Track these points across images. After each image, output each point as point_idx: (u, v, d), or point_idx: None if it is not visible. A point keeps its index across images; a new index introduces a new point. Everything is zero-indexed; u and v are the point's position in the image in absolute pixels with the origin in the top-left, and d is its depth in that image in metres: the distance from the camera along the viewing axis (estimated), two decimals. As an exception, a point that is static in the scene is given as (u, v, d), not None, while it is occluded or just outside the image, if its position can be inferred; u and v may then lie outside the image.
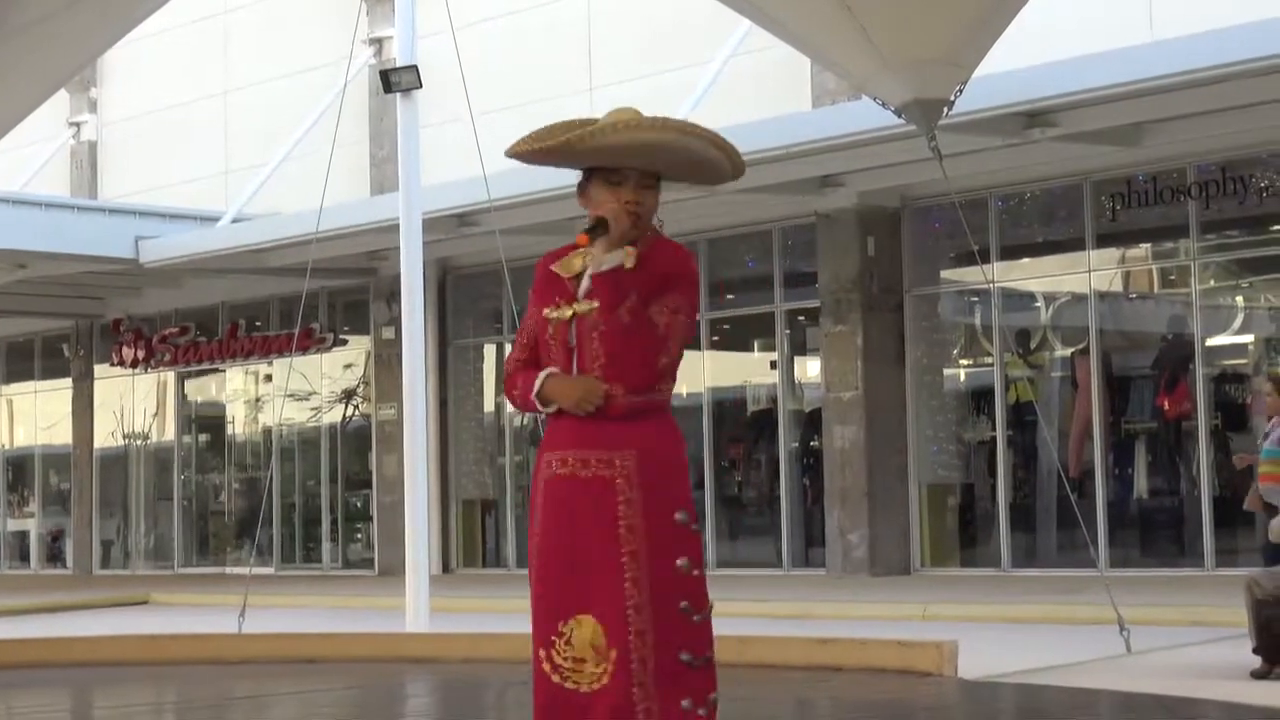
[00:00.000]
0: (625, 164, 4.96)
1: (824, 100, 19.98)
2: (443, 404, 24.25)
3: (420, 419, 15.16)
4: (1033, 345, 20.13)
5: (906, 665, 11.24)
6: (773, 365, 22.08)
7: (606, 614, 4.82)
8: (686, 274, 5.03)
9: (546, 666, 4.85)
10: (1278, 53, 14.33)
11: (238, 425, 29.01)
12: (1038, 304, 20.02)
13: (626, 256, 4.94)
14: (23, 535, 32.62)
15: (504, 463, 24.61)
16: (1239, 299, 19.15)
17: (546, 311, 5.00)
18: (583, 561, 4.85)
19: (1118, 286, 19.68)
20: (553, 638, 4.86)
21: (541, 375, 4.95)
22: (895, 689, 10.72)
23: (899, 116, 11.81)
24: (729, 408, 23.00)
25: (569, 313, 4.96)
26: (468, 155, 16.48)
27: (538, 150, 4.99)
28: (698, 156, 5.01)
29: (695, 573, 4.99)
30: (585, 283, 4.96)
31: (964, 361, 21.15)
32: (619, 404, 4.91)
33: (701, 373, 22.48)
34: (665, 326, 4.93)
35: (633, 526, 4.87)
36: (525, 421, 23.84)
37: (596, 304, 4.92)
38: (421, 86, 15.07)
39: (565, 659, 4.82)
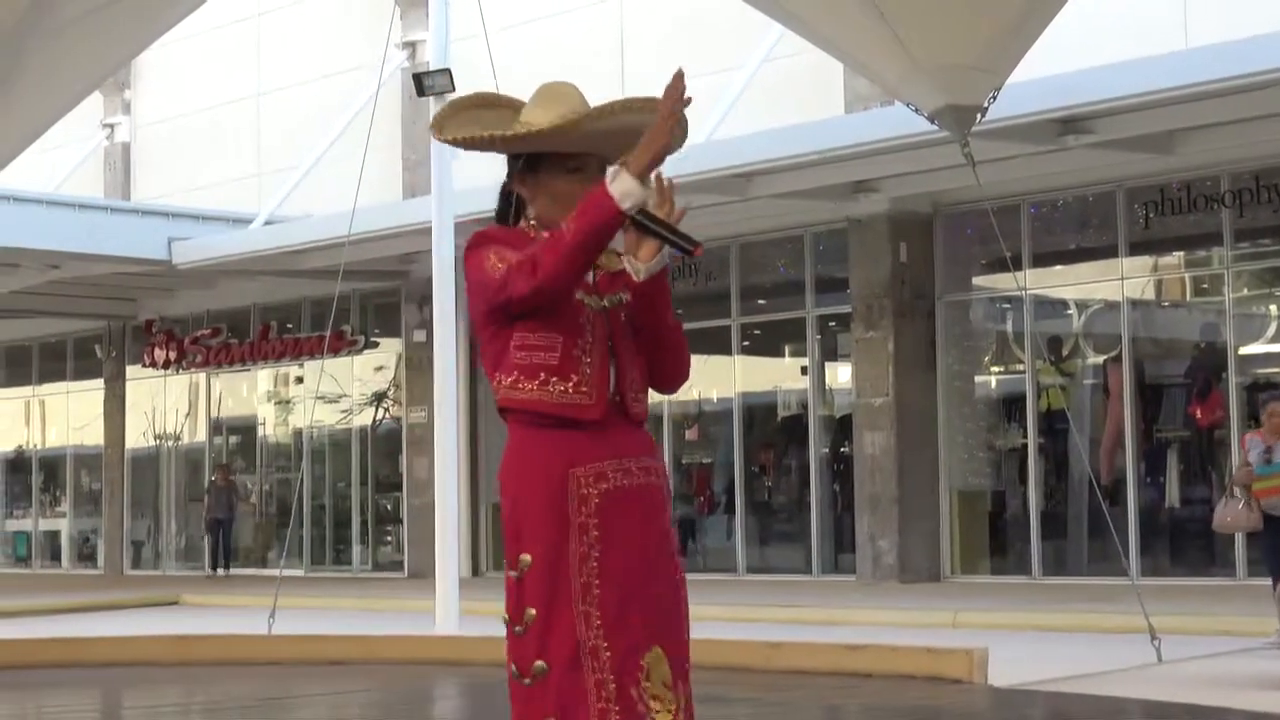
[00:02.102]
0: (597, 149, 4.35)
1: (857, 106, 19.96)
2: (473, 407, 24.25)
3: (451, 422, 15.18)
4: (1065, 352, 20.07)
5: (936, 672, 11.22)
6: (804, 371, 22.05)
7: (672, 646, 4.29)
8: None
9: (641, 708, 4.17)
10: (1313, 60, 14.30)
11: (268, 427, 29.09)
12: (1070, 311, 19.97)
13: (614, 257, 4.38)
14: (54, 535, 32.75)
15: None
16: (1272, 307, 19.07)
17: (581, 294, 4.26)
18: (652, 582, 4.29)
19: (1150, 294, 19.63)
20: (638, 674, 4.19)
21: (611, 170, 4.16)
22: (925, 696, 10.70)
23: (932, 122, 11.79)
24: (760, 413, 22.98)
25: (604, 302, 4.32)
26: (500, 158, 16.47)
27: (499, 137, 4.34)
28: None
29: None
30: (592, 271, 4.29)
31: (995, 368, 21.11)
32: (646, 415, 4.42)
33: (732, 378, 22.49)
34: None
35: (676, 546, 4.41)
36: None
37: (626, 296, 4.34)
38: (455, 90, 15.07)
39: (648, 698, 4.21)
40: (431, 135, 4.51)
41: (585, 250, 4.10)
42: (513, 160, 4.41)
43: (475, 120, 4.42)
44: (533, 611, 4.18)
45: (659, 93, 4.23)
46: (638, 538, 4.25)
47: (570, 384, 4.22)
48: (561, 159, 4.33)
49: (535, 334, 4.21)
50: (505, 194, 4.48)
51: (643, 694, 4.17)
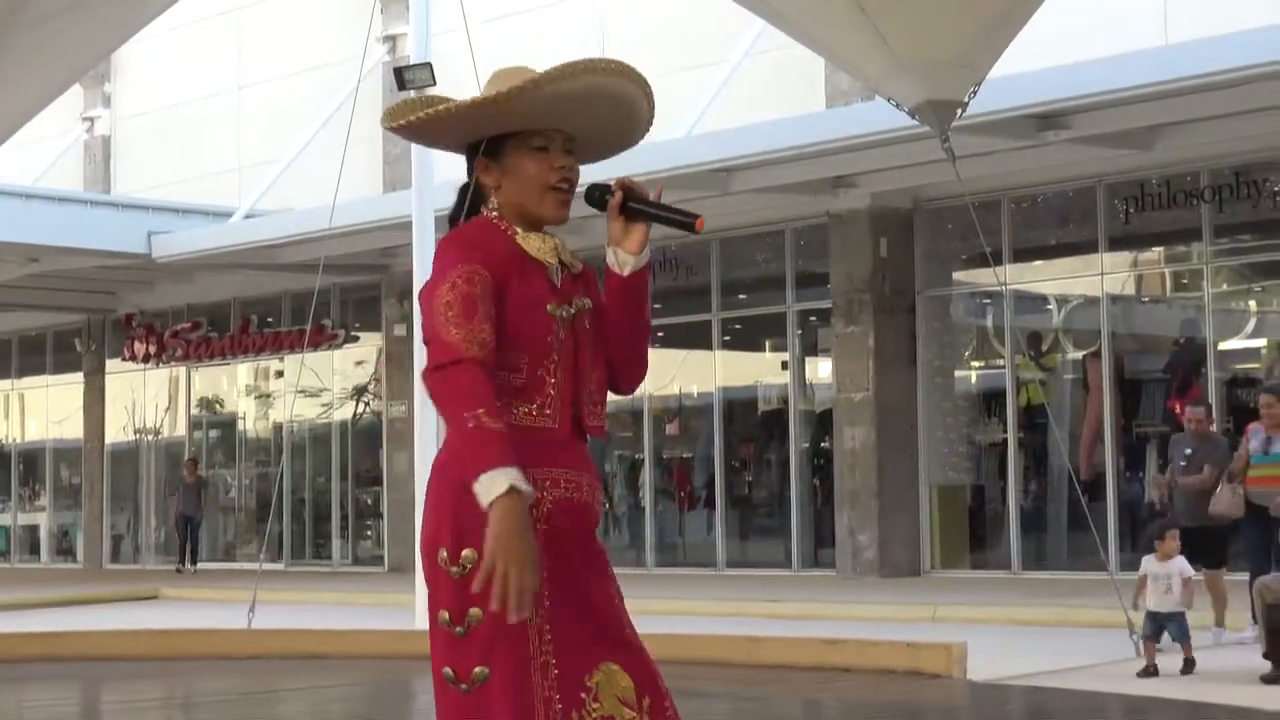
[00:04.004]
0: (560, 121, 4.03)
1: (838, 101, 19.97)
2: (454, 401, 24.17)
3: (431, 416, 15.15)
4: (1044, 348, 20.11)
5: (915, 667, 11.25)
6: (784, 366, 22.08)
7: (629, 660, 3.97)
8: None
9: None
10: (1293, 57, 14.33)
11: (248, 421, 29.06)
12: (1050, 306, 20.00)
13: (562, 249, 4.08)
14: (33, 529, 32.68)
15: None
16: (1251, 303, 19.13)
17: (551, 307, 3.96)
18: (596, 598, 3.99)
19: (1130, 290, 19.66)
20: (581, 695, 3.88)
21: (508, 473, 3.71)
22: (904, 690, 10.73)
23: (912, 118, 11.81)
24: (740, 408, 23.00)
25: (571, 310, 4.01)
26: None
27: (448, 110, 4.00)
28: (633, 113, 4.13)
29: None
30: (558, 274, 4.03)
31: (975, 363, 21.14)
32: (605, 427, 4.13)
33: (713, 372, 22.50)
34: None
35: (608, 559, 4.11)
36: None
37: (589, 302, 4.06)
38: (435, 84, 15.06)
39: (598, 719, 3.89)
40: (382, 125, 4.18)
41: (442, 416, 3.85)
42: (471, 151, 4.10)
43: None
44: (478, 612, 3.82)
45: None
46: (581, 552, 3.99)
47: (534, 405, 3.93)
48: (525, 138, 4.02)
49: (500, 351, 3.88)
50: (464, 190, 4.17)
51: (583, 717, 3.85)
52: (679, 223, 4.01)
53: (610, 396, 4.21)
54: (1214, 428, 14.49)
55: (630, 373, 4.17)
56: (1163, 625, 10.85)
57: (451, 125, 4.06)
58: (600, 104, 4.03)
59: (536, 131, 4.02)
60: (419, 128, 4.08)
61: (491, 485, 3.68)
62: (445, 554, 3.92)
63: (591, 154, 4.16)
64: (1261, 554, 12.53)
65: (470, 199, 4.12)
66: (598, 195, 4.03)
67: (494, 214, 4.06)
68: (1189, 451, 13.21)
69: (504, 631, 3.82)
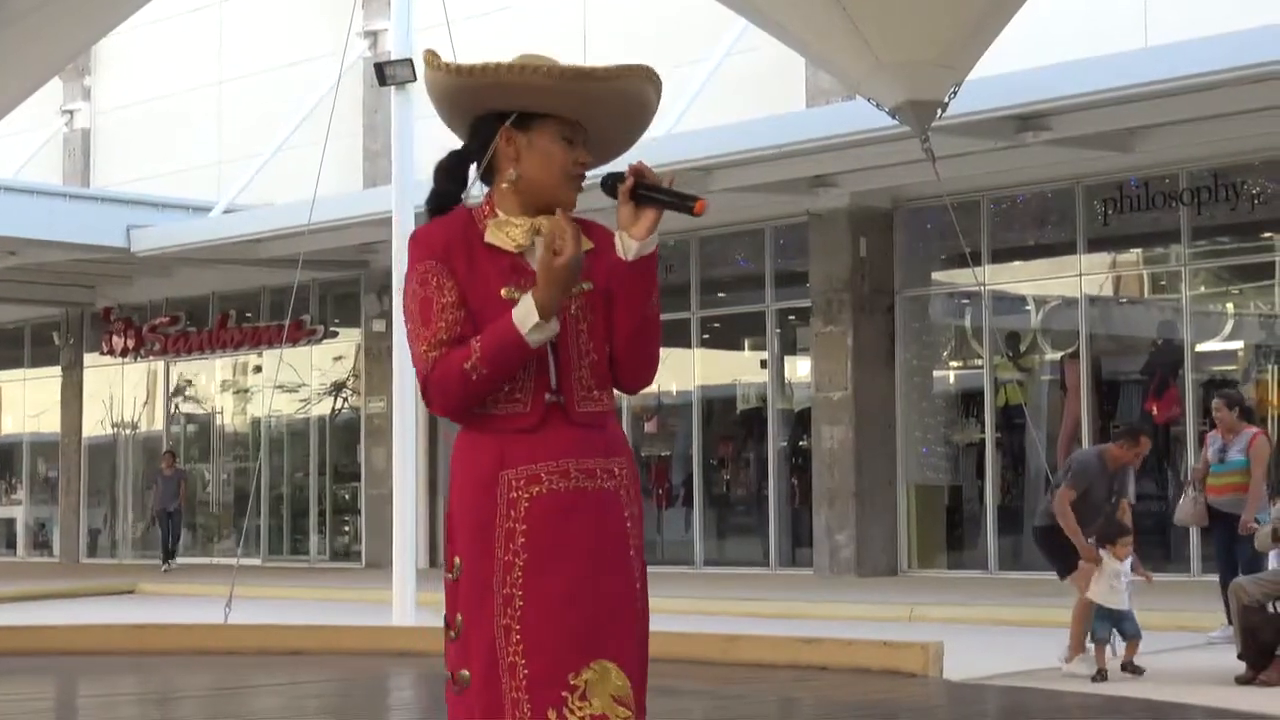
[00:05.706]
0: (590, 117, 4.14)
1: (818, 100, 19.99)
2: (432, 398, 24.14)
3: (410, 412, 15.16)
4: (1023, 348, 20.15)
5: (892, 666, 11.26)
6: (763, 364, 22.09)
7: (628, 658, 3.98)
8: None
9: None
10: (1271, 59, 14.36)
11: (226, 416, 29.01)
12: (1028, 307, 20.04)
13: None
14: (10, 523, 32.60)
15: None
16: (1229, 305, 19.18)
17: (506, 291, 3.98)
18: (591, 593, 3.97)
19: (1108, 291, 19.71)
20: (563, 694, 3.90)
21: (520, 307, 3.92)
22: (881, 689, 10.74)
23: (892, 118, 11.81)
24: (719, 406, 23.01)
25: None
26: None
27: (510, 66, 4.06)
28: (641, 128, 4.33)
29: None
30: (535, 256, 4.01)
31: (954, 363, 21.18)
32: (612, 411, 4.12)
33: (692, 371, 22.51)
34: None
35: (638, 549, 4.11)
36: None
37: (589, 285, 4.04)
38: (416, 80, 15.05)
39: (583, 718, 3.91)
40: (428, 62, 4.15)
41: (495, 387, 3.97)
42: (495, 120, 4.10)
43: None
44: (460, 617, 3.98)
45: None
46: (576, 545, 3.96)
47: (503, 391, 3.97)
48: (557, 124, 4.09)
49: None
50: (462, 157, 4.18)
51: (564, 717, 3.88)
52: (679, 207, 4.05)
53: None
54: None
55: (634, 370, 4.15)
56: (1117, 623, 10.83)
57: (508, 87, 4.08)
58: (619, 105, 4.18)
59: (565, 122, 4.11)
60: (472, 76, 4.08)
61: (534, 330, 3.91)
62: (446, 560, 4.07)
63: (596, 155, 4.23)
64: (1227, 557, 12.65)
65: (487, 165, 4.14)
66: (611, 184, 4.08)
67: (500, 191, 4.11)
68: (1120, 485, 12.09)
69: (476, 635, 3.95)
